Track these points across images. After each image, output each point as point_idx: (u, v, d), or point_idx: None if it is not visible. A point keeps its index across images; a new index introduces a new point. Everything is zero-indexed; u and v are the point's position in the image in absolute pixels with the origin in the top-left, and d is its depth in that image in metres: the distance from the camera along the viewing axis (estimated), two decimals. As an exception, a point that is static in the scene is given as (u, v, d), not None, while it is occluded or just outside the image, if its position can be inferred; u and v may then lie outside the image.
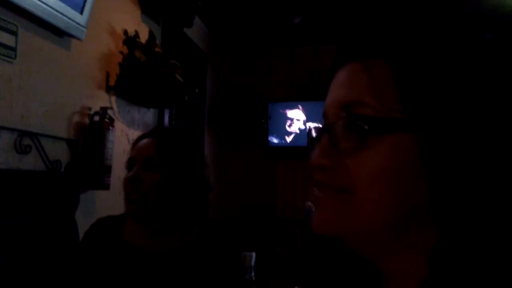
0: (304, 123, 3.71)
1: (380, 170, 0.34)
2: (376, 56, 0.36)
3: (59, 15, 1.63)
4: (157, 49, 2.25)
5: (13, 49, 1.51)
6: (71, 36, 1.76)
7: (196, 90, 2.50)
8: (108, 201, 2.00)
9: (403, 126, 0.33)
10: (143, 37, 2.27)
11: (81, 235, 1.64)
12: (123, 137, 2.22)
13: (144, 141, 1.08)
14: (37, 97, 1.64)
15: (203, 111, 3.48)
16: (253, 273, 1.27)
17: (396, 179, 0.34)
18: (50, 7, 1.58)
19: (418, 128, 0.33)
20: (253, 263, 1.27)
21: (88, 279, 1.02)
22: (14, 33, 1.51)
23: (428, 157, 0.32)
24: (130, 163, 1.06)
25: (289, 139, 3.78)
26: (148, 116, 2.52)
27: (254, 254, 1.28)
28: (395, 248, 0.36)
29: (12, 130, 1.52)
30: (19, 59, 1.53)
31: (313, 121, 3.57)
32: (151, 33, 2.37)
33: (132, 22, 2.33)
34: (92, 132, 1.88)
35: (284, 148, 3.76)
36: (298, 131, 3.75)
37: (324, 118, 0.40)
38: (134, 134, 2.32)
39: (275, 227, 3.17)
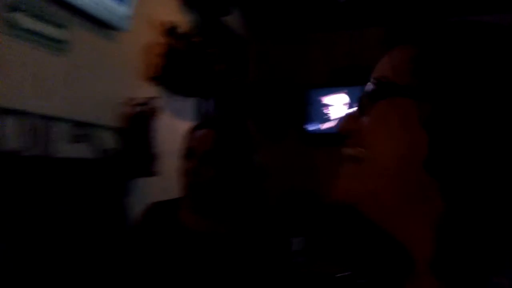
0: (344, 109, 3.64)
1: (386, 130, 0.39)
2: (406, 43, 0.43)
3: (105, 8, 1.69)
4: (197, 38, 2.27)
5: (64, 43, 1.58)
6: (116, 28, 1.81)
7: (237, 79, 2.51)
8: (158, 187, 2.06)
9: (410, 92, 0.39)
10: (183, 27, 2.31)
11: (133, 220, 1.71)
12: (167, 126, 2.28)
13: (202, 132, 1.10)
14: (87, 88, 1.71)
15: (243, 98, 3.49)
16: (301, 258, 1.27)
17: (401, 141, 0.38)
18: (97, 1, 1.63)
19: (424, 95, 0.38)
20: (301, 248, 1.27)
21: (145, 258, 1.08)
22: (64, 27, 1.58)
23: (432, 123, 0.37)
24: (189, 153, 1.09)
25: (329, 125, 3.73)
26: (191, 105, 2.56)
27: (301, 240, 1.29)
28: (407, 217, 0.39)
29: (65, 120, 1.59)
30: (69, 52, 1.60)
31: (354, 107, 3.49)
32: (190, 23, 2.40)
33: (172, 12, 2.36)
34: (138, 122, 1.95)
35: (324, 135, 3.72)
36: (338, 117, 3.69)
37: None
38: (178, 123, 2.37)
39: (320, 214, 3.16)
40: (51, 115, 1.53)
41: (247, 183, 1.12)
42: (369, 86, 0.43)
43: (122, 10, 1.77)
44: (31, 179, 1.43)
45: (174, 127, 2.32)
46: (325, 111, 3.72)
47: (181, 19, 2.41)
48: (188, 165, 1.07)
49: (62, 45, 1.57)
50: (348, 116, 0.45)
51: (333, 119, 3.69)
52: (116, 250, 1.62)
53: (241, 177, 1.10)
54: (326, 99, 3.72)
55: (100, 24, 1.74)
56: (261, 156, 1.20)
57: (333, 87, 3.71)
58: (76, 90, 1.66)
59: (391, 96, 0.40)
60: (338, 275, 2.01)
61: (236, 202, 1.11)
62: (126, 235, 1.31)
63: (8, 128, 1.39)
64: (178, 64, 2.11)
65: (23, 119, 1.44)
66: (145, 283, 1.07)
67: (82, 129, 1.68)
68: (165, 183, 2.06)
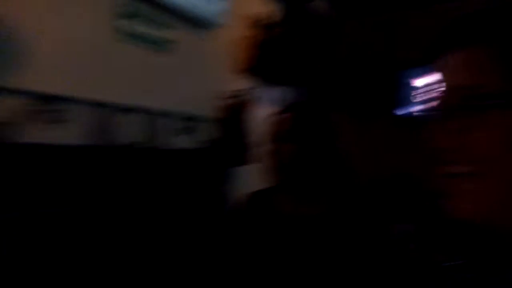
0: (437, 90, 3.40)
1: (500, 143, 0.38)
2: (484, 43, 0.40)
3: (202, 7, 1.79)
4: (286, 27, 2.29)
5: (168, 43, 1.71)
6: (212, 25, 1.91)
7: (327, 63, 2.49)
8: (256, 175, 2.14)
9: (507, 100, 0.37)
10: (272, 17, 2.34)
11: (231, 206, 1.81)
12: (261, 115, 2.33)
13: (283, 116, 1.15)
14: (189, 84, 1.84)
15: (334, 83, 3.44)
16: (409, 244, 1.24)
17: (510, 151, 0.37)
18: (195, 1, 1.74)
19: None
20: (408, 234, 1.23)
21: (247, 246, 1.14)
22: (168, 28, 1.70)
23: None
24: (273, 137, 1.14)
25: (422, 107, 3.51)
26: (283, 93, 2.59)
27: (408, 226, 1.25)
28: None
29: (170, 114, 1.73)
30: (173, 51, 1.73)
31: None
32: (278, 13, 2.42)
33: (260, 4, 2.40)
34: (234, 113, 2.03)
35: (417, 118, 3.52)
36: (430, 99, 3.46)
37: (442, 100, 0.45)
38: (271, 111, 2.42)
39: (422, 200, 3.02)
40: (160, 111, 1.68)
41: (332, 165, 1.13)
42: (459, 98, 0.42)
43: (217, 7, 1.86)
44: (145, 169, 1.58)
45: (267, 115, 2.38)
46: (417, 92, 3.53)
47: (270, 9, 2.44)
48: (272, 149, 1.12)
49: (167, 45, 1.71)
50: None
51: (426, 101, 3.47)
52: (216, 236, 1.72)
53: (325, 159, 1.11)
54: (418, 80, 3.52)
55: (198, 22, 1.85)
56: (346, 140, 1.19)
57: (427, 67, 3.47)
58: (180, 86, 1.79)
59: (487, 108, 0.39)
60: (446, 263, 1.90)
61: (324, 184, 1.13)
62: (226, 223, 1.39)
63: (127, 123, 1.56)
64: (270, 54, 2.15)
65: (138, 115, 1.60)
66: (247, 271, 1.12)
67: (185, 122, 1.81)
68: (262, 171, 2.13)
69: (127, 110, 1.55)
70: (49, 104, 1.34)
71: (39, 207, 1.27)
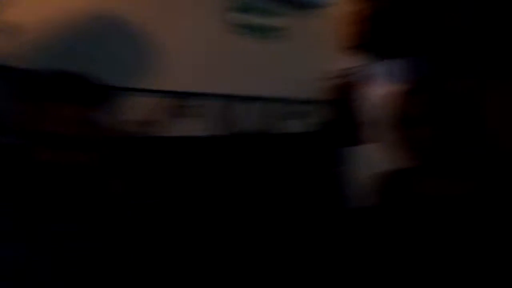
0: None
1: None
2: None
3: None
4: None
5: (277, 30, 1.77)
6: (319, 6, 1.91)
7: (446, 27, 2.28)
8: (373, 155, 2.10)
9: None
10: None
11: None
12: (378, 92, 2.26)
13: (413, 97, 1.08)
14: (299, 68, 1.87)
15: (457, 48, 3.13)
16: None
17: None
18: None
19: None
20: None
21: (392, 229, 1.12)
22: (277, 15, 1.76)
23: None
24: (402, 120, 1.10)
25: None
26: (402, 66, 2.47)
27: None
28: None
29: (281, 100, 1.78)
30: (282, 37, 1.78)
31: None
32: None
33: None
34: (345, 92, 2.01)
35: None
36: None
37: None
38: (389, 87, 2.32)
39: None
40: (274, 97, 1.75)
41: (476, 139, 1.05)
42: None
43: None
44: (266, 155, 1.68)
45: (384, 93, 2.29)
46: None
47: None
48: (405, 128, 1.07)
49: (278, 32, 1.76)
50: None
51: None
52: (337, 217, 1.75)
53: (467, 134, 1.04)
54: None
55: (306, 5, 1.86)
56: (488, 109, 1.09)
57: None
58: (292, 71, 1.83)
59: None
60: None
61: (469, 162, 1.05)
62: (348, 205, 1.40)
63: (245, 112, 1.66)
64: (382, 26, 2.06)
65: (255, 103, 1.69)
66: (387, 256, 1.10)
67: (298, 106, 1.85)
68: (387, 151, 2.08)
69: (245, 99, 1.65)
70: (182, 100, 1.50)
71: (179, 194, 1.45)
